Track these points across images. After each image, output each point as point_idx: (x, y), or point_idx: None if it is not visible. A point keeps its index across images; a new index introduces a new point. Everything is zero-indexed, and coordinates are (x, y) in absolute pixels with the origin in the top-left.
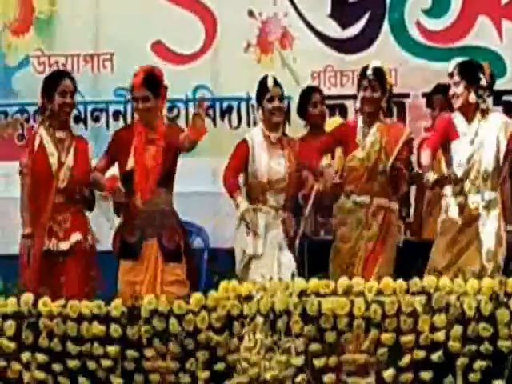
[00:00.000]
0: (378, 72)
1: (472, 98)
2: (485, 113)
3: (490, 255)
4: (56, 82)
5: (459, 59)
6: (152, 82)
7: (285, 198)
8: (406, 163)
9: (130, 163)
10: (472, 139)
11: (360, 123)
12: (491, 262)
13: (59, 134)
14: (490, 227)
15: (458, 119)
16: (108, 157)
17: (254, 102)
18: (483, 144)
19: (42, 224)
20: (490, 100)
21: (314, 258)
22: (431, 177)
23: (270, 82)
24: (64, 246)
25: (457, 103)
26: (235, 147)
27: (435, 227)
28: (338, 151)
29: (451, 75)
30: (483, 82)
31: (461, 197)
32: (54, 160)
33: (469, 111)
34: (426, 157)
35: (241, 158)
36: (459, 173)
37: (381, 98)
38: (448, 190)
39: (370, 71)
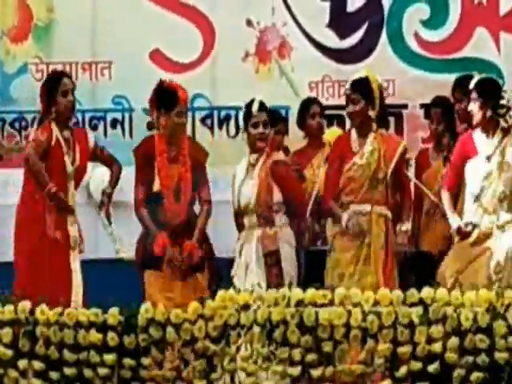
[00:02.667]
0: (357, 84)
1: (490, 115)
2: (506, 132)
3: (498, 268)
4: (56, 83)
5: (481, 76)
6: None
7: (257, 217)
8: (404, 174)
9: (157, 185)
10: (489, 156)
11: (354, 135)
12: (499, 275)
13: (65, 134)
14: (503, 242)
15: (477, 136)
16: (142, 182)
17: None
18: (503, 163)
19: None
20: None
21: (311, 268)
22: (454, 224)
23: (254, 107)
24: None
25: (474, 120)
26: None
27: (433, 238)
28: (319, 158)
29: (471, 92)
30: (504, 101)
31: (477, 214)
32: (67, 159)
33: (488, 128)
34: (445, 200)
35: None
36: (475, 189)
37: (364, 109)
38: (465, 205)
39: (347, 86)
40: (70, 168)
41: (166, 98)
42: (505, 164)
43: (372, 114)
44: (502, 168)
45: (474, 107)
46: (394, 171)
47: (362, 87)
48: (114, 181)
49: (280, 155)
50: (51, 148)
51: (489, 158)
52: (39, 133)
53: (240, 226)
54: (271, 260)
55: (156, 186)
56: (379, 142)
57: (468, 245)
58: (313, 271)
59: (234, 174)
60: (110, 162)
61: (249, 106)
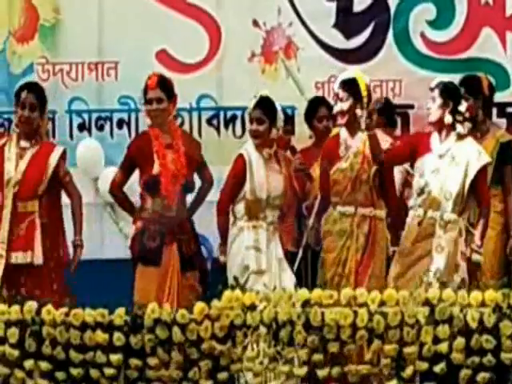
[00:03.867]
0: (346, 83)
1: (447, 119)
2: (461, 137)
3: (436, 275)
4: (18, 94)
5: (444, 78)
6: (165, 84)
7: (280, 213)
8: (390, 173)
9: (156, 167)
10: (441, 154)
11: (342, 137)
12: (436, 283)
13: (23, 143)
14: (443, 251)
15: (433, 135)
16: (124, 169)
17: None
18: (452, 164)
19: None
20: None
21: (317, 268)
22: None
23: (251, 104)
24: (12, 258)
25: (430, 118)
26: (233, 163)
27: None
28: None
29: (431, 90)
30: (462, 108)
31: (421, 209)
32: (8, 165)
33: (443, 129)
34: None
35: (238, 175)
36: (421, 184)
37: (353, 108)
38: (411, 201)
39: (336, 84)
40: (8, 175)
41: (143, 89)
42: (455, 165)
43: (359, 112)
44: (451, 168)
45: (432, 106)
46: (378, 171)
47: (350, 86)
48: (79, 213)
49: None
50: None
51: (441, 157)
52: None
53: (255, 216)
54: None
55: (155, 169)
56: (364, 143)
57: (409, 244)
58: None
59: (247, 159)
60: (71, 192)
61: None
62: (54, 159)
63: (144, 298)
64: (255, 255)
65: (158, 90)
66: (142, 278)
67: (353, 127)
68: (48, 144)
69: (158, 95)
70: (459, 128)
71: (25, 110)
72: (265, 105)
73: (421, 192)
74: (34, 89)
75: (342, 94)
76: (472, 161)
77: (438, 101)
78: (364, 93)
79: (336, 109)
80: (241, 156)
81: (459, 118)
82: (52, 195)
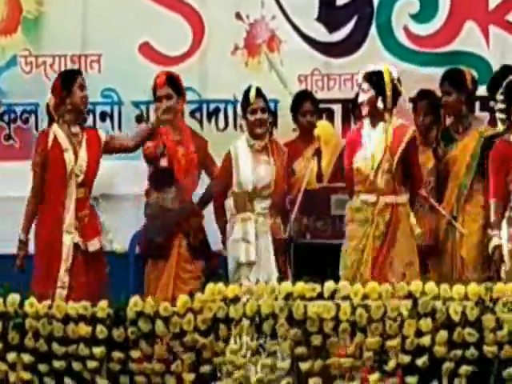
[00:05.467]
0: (369, 75)
1: (380, 106)
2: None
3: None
4: (73, 77)
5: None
6: (174, 81)
7: (270, 204)
8: (415, 159)
9: (163, 161)
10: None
11: (365, 127)
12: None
13: (74, 129)
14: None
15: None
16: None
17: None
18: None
19: (59, 219)
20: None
21: (300, 261)
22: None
23: (252, 94)
24: (90, 247)
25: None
26: (222, 161)
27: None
28: (309, 152)
29: (360, 84)
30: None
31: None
32: (69, 155)
33: (375, 119)
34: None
35: (225, 171)
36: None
37: (374, 100)
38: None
39: (360, 76)
40: (70, 166)
41: (153, 86)
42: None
43: (381, 105)
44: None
45: (363, 98)
46: (401, 160)
47: (372, 78)
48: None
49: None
50: (49, 152)
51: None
52: (36, 148)
53: (244, 207)
54: (280, 249)
55: (163, 162)
56: (387, 133)
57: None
58: (303, 265)
59: (233, 154)
60: (123, 145)
61: (246, 93)
62: (102, 144)
63: (155, 291)
64: (245, 247)
65: (166, 87)
66: (152, 271)
67: (375, 118)
68: (91, 128)
69: (167, 92)
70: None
71: (84, 90)
72: (263, 95)
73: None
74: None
75: (364, 85)
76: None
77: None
78: (388, 86)
79: (359, 99)
80: (228, 153)
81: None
82: None
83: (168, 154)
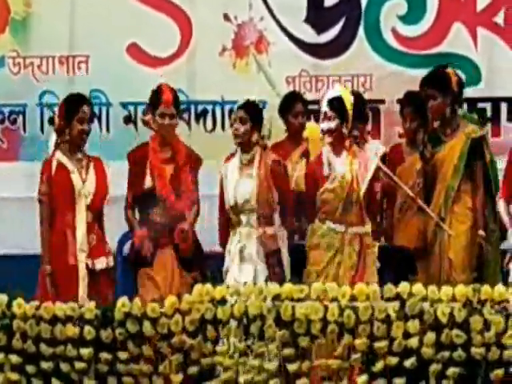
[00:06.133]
0: (334, 102)
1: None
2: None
3: None
4: (75, 107)
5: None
6: (177, 100)
7: (257, 216)
8: (376, 189)
9: (148, 182)
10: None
11: (325, 156)
12: None
13: (77, 155)
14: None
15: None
16: (130, 187)
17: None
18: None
19: (68, 241)
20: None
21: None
22: None
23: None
24: (97, 264)
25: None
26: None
27: (407, 233)
28: (297, 154)
29: (325, 111)
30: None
31: None
32: (76, 177)
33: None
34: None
35: (220, 191)
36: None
37: (340, 127)
38: None
39: (324, 103)
40: (78, 185)
41: (152, 97)
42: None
43: (345, 131)
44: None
45: (329, 125)
46: (368, 189)
47: (337, 105)
48: None
49: (274, 155)
50: (54, 174)
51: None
52: (42, 170)
53: (233, 224)
54: (273, 259)
55: (147, 183)
56: (352, 162)
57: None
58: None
59: (223, 173)
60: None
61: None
62: (107, 172)
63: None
64: (228, 258)
65: (172, 107)
66: (140, 278)
67: (338, 146)
68: (94, 157)
69: (172, 112)
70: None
71: (84, 123)
72: (250, 107)
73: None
74: (88, 100)
75: (329, 112)
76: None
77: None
78: (350, 111)
79: (323, 127)
80: (220, 172)
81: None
82: None
83: (152, 174)
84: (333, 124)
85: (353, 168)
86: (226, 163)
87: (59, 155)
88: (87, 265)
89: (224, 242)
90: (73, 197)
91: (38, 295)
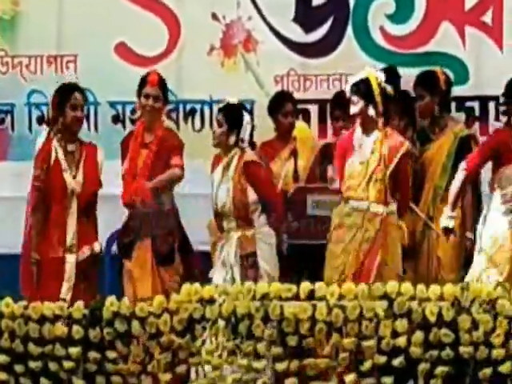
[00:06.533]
0: (355, 86)
1: (371, 114)
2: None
3: None
4: (67, 95)
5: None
6: (164, 84)
7: (235, 219)
8: (405, 174)
9: (124, 166)
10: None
11: (357, 133)
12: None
13: (70, 147)
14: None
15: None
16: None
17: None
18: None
19: (61, 238)
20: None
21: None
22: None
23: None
24: (80, 256)
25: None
26: None
27: None
28: (285, 153)
29: (349, 97)
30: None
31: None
32: (67, 176)
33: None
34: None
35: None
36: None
37: (365, 109)
38: (498, 202)
39: (347, 88)
40: (71, 185)
41: (139, 82)
42: (382, 159)
43: (373, 112)
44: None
45: (354, 110)
46: (394, 172)
47: (359, 88)
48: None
49: (251, 155)
50: (50, 167)
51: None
52: (39, 156)
53: (220, 228)
54: (248, 262)
55: (124, 167)
56: (381, 142)
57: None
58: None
59: (211, 181)
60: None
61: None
62: (100, 164)
63: (126, 290)
64: (215, 263)
65: (157, 88)
66: (125, 271)
67: (368, 127)
68: (89, 145)
69: (156, 93)
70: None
71: (77, 110)
72: (227, 110)
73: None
74: (81, 89)
75: (353, 97)
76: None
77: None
78: (376, 91)
79: (350, 112)
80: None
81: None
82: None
83: (128, 160)
84: (357, 108)
85: (381, 147)
86: (215, 167)
87: (56, 146)
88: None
89: None
90: (65, 193)
91: (22, 287)
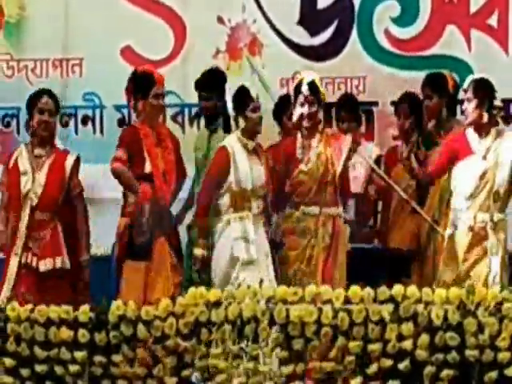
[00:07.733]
0: (313, 86)
1: (485, 116)
2: (499, 132)
3: (496, 279)
4: (35, 100)
5: (475, 76)
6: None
7: (264, 205)
8: (346, 171)
9: (148, 167)
10: (484, 155)
11: (299, 140)
12: (497, 286)
13: (38, 151)
14: (497, 253)
15: (471, 135)
16: (126, 151)
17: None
18: (497, 163)
19: (16, 240)
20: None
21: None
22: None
23: (254, 94)
24: (41, 266)
25: (468, 119)
26: (215, 154)
27: (402, 235)
28: None
29: (465, 91)
30: (497, 103)
31: (470, 212)
32: (25, 179)
33: (481, 128)
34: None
35: (222, 167)
36: (468, 188)
37: (318, 111)
38: (457, 203)
39: (304, 87)
40: (25, 188)
41: (142, 82)
42: (499, 164)
43: (321, 115)
44: (497, 168)
45: (468, 107)
46: (341, 172)
47: (316, 89)
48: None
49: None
50: (9, 170)
51: (484, 158)
52: (4, 169)
53: (239, 207)
54: (277, 248)
55: (147, 168)
56: (324, 144)
57: (464, 249)
58: None
59: (231, 151)
60: (78, 208)
61: (243, 91)
62: (68, 169)
63: (132, 293)
64: (244, 246)
65: (163, 87)
66: (130, 272)
67: (313, 129)
68: (61, 152)
69: (164, 92)
70: (501, 122)
71: (44, 114)
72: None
73: (470, 196)
74: (52, 94)
75: (310, 97)
76: None
77: (474, 101)
78: (322, 95)
79: (304, 111)
80: (224, 148)
81: (495, 112)
82: (70, 200)
83: (150, 158)
84: (314, 108)
85: (327, 149)
86: (228, 141)
87: (20, 150)
88: (26, 264)
89: (203, 223)
90: (19, 197)
91: None
